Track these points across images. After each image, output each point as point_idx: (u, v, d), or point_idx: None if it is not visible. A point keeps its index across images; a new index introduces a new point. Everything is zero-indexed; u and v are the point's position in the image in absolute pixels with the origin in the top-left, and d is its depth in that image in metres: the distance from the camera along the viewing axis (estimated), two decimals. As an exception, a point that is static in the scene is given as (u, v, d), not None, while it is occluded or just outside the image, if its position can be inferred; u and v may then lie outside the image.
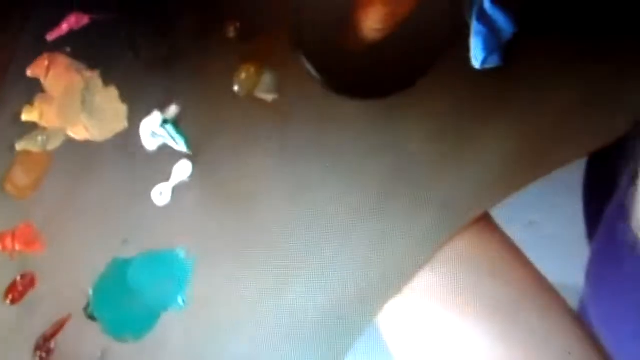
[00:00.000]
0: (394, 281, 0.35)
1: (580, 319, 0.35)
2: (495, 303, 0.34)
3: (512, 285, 0.35)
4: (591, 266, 0.45)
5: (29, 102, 0.48)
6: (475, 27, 0.37)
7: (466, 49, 0.37)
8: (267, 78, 0.43)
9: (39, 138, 0.47)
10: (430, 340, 0.35)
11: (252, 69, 0.43)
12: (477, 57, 0.37)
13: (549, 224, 0.97)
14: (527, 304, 0.35)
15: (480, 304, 0.34)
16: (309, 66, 0.40)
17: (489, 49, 0.36)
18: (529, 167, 0.35)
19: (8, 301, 0.44)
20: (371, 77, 0.39)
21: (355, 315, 0.36)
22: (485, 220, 0.37)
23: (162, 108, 0.45)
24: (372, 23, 0.37)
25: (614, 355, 0.36)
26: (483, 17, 0.37)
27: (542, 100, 0.36)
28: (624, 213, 0.39)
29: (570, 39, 0.36)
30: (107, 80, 0.47)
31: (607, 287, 0.43)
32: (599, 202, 0.47)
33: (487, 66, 0.37)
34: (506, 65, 0.37)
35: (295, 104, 0.41)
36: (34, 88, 0.48)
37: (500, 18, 0.36)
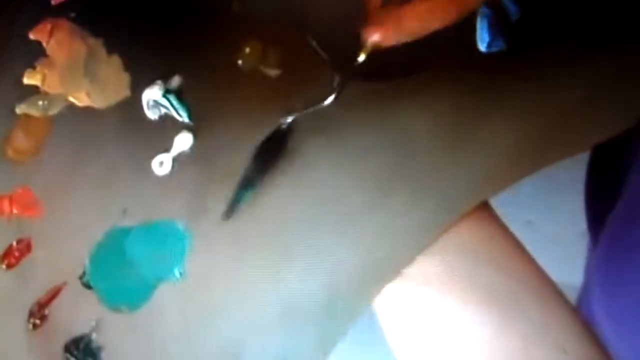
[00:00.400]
0: (391, 266, 0.35)
1: (577, 313, 0.36)
2: (494, 292, 0.35)
3: (511, 275, 0.36)
4: (599, 266, 0.45)
5: (32, 65, 0.47)
6: (481, 9, 0.37)
7: (472, 35, 0.37)
8: (271, 53, 0.42)
9: (40, 102, 0.46)
10: (426, 327, 0.35)
11: (257, 44, 0.42)
12: (482, 39, 0.37)
13: (546, 224, 0.97)
14: (526, 295, 0.35)
15: (478, 292, 0.34)
16: (315, 45, 0.40)
17: (493, 32, 0.36)
18: (527, 160, 0.35)
19: (4, 266, 0.44)
20: (377, 60, 0.39)
21: (352, 299, 0.36)
22: (485, 211, 0.37)
23: (165, 78, 0.44)
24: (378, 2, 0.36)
25: (626, 355, 0.36)
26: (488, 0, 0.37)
27: (543, 98, 0.36)
28: (635, 213, 0.39)
29: (572, 37, 0.36)
30: (110, 49, 0.46)
31: (620, 288, 0.43)
32: (603, 200, 0.46)
33: (493, 50, 0.37)
34: (508, 61, 0.37)
35: (299, 82, 0.41)
36: (37, 52, 0.47)
37: (505, 0, 0.36)
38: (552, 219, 0.96)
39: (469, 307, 0.34)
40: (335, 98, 0.38)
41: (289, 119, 0.39)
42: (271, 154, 0.39)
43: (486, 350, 0.33)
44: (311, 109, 0.39)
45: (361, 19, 0.37)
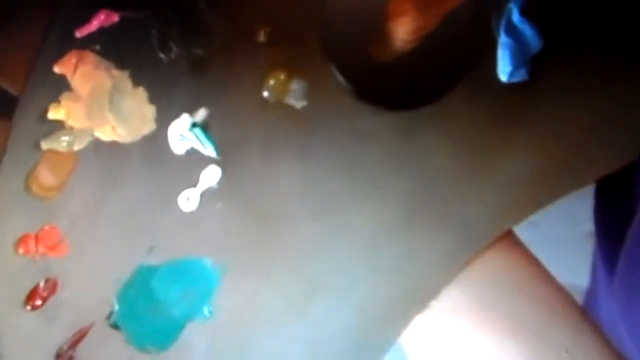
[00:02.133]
0: (419, 298, 0.35)
1: (606, 335, 0.35)
2: (523, 321, 0.34)
3: (540, 302, 0.35)
4: (622, 277, 0.44)
5: (56, 100, 0.47)
6: (502, 40, 0.36)
7: (492, 63, 0.36)
8: (296, 85, 0.42)
9: (65, 138, 0.46)
10: (456, 355, 0.35)
11: (282, 76, 0.42)
12: (504, 70, 0.36)
13: (550, 224, 0.97)
14: (555, 322, 0.35)
15: (507, 322, 0.34)
16: (338, 76, 0.40)
17: (516, 63, 0.36)
18: (551, 185, 0.35)
19: (29, 307, 0.44)
20: (400, 89, 0.39)
21: (381, 331, 0.35)
22: (510, 238, 0.37)
23: (191, 111, 0.44)
24: (402, 35, 0.37)
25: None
26: (511, 30, 0.36)
27: (565, 119, 0.35)
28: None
29: (596, 58, 0.36)
30: (136, 81, 0.46)
31: None
32: (616, 215, 0.46)
33: (514, 80, 0.36)
34: (530, 83, 0.36)
35: (324, 113, 0.40)
36: (61, 86, 0.47)
37: (528, 31, 0.36)
38: (556, 220, 0.96)
39: (499, 337, 0.34)
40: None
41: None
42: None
43: None
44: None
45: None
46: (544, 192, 0.35)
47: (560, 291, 0.36)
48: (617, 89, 0.35)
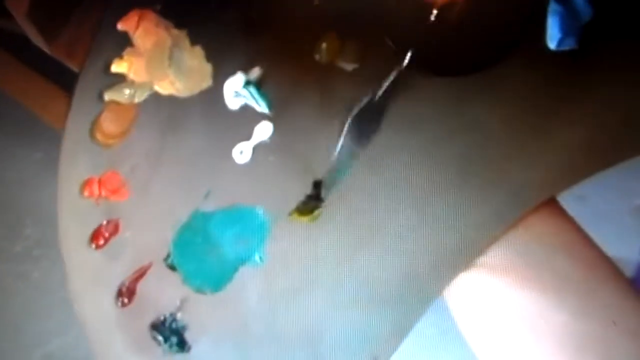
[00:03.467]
0: (465, 255, 0.36)
1: None
2: (569, 279, 0.35)
3: (585, 262, 0.36)
4: None
5: (119, 55, 0.49)
6: (552, 6, 0.37)
7: (545, 31, 0.37)
8: (348, 48, 0.43)
9: (127, 90, 0.48)
10: (502, 315, 0.35)
11: (334, 39, 0.43)
12: (553, 37, 0.37)
13: (599, 199, 0.96)
14: (599, 281, 0.35)
15: (554, 280, 0.35)
16: (389, 41, 0.41)
17: (565, 30, 0.36)
18: (600, 156, 0.35)
19: (94, 245, 0.46)
20: (452, 56, 0.40)
21: (428, 282, 0.36)
22: (555, 204, 0.38)
23: (246, 70, 0.45)
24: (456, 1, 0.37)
25: None
26: None
27: (616, 93, 0.36)
28: None
29: None
30: (194, 40, 0.48)
31: None
32: None
33: (563, 48, 0.37)
34: (584, 54, 0.37)
35: (374, 76, 0.41)
36: (124, 42, 0.49)
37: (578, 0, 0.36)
38: (604, 194, 0.95)
39: (546, 294, 0.34)
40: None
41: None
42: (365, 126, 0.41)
43: (564, 334, 0.34)
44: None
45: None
46: (593, 160, 0.35)
47: (605, 258, 0.37)
48: None
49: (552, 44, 0.37)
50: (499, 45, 0.39)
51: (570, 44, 0.36)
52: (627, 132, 0.35)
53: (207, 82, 0.47)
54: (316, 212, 0.40)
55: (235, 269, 0.41)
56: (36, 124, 0.57)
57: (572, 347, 0.33)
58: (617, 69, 0.36)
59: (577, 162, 0.35)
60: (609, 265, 0.36)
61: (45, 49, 0.53)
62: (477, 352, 0.37)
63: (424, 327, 0.37)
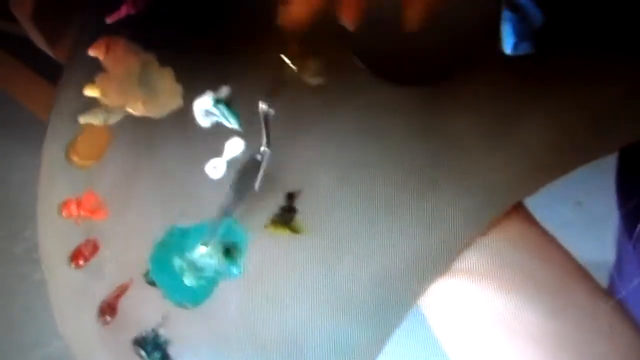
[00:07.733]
0: (441, 258, 0.37)
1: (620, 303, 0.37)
2: (543, 281, 0.36)
3: (556, 265, 0.37)
4: None
5: (91, 79, 0.50)
6: (504, 14, 0.38)
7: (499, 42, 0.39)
8: (313, 63, 0.45)
9: (100, 114, 0.50)
10: (477, 319, 0.36)
11: (299, 54, 0.45)
12: (507, 43, 0.38)
13: (596, 205, 0.96)
14: (573, 283, 0.36)
15: (528, 281, 0.36)
16: (354, 57, 0.43)
17: (519, 36, 0.38)
18: (568, 156, 0.36)
19: (74, 265, 0.47)
20: (414, 66, 0.41)
21: (405, 288, 0.37)
22: (523, 209, 0.39)
23: (215, 88, 0.47)
24: (414, 13, 0.38)
25: None
26: (511, 5, 0.38)
27: (583, 93, 0.37)
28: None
29: (605, 38, 0.38)
30: (162, 62, 0.49)
31: None
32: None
33: (520, 52, 0.38)
34: (541, 60, 0.38)
35: (341, 89, 0.43)
36: (96, 68, 0.51)
37: (528, 5, 0.38)
38: (602, 200, 0.95)
39: (520, 296, 0.35)
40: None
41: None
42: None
43: (538, 335, 0.34)
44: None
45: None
46: (560, 161, 0.36)
47: (575, 260, 0.38)
48: (632, 66, 0.37)
49: (508, 49, 0.38)
50: (458, 54, 0.41)
51: (525, 49, 0.38)
52: (593, 131, 0.37)
53: (177, 102, 0.48)
54: (292, 224, 0.41)
55: (215, 283, 0.42)
56: (39, 126, 0.58)
57: (547, 347, 0.34)
58: (577, 70, 0.38)
59: (544, 164, 0.37)
60: (579, 268, 0.38)
61: (49, 51, 0.54)
62: (453, 356, 0.38)
63: (402, 337, 0.38)
